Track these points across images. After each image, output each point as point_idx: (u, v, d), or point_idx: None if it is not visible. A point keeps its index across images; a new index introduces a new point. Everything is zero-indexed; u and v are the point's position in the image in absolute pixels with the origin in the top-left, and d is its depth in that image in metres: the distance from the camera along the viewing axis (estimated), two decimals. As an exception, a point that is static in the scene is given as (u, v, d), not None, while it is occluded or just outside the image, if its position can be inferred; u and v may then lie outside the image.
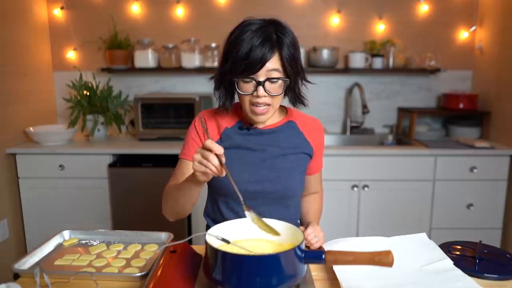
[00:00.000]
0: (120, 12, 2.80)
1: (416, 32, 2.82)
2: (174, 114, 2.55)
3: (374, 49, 2.77)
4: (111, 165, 2.35)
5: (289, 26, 1.07)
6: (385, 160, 2.35)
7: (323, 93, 2.90)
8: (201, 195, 1.09)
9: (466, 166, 2.35)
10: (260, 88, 1.03)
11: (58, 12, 2.80)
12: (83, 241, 1.14)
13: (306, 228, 1.13)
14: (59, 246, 1.11)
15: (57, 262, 1.01)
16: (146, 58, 2.69)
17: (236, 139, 1.15)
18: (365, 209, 2.40)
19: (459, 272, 0.94)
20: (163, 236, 1.14)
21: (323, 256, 0.81)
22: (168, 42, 2.76)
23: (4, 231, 2.31)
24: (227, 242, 0.86)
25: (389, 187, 2.38)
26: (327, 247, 1.07)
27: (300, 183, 1.21)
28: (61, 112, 2.90)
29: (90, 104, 2.60)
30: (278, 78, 1.04)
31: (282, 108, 1.24)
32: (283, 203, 1.17)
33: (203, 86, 2.84)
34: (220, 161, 0.87)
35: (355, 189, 2.37)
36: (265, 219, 0.92)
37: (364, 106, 2.67)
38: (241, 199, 0.91)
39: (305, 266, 0.84)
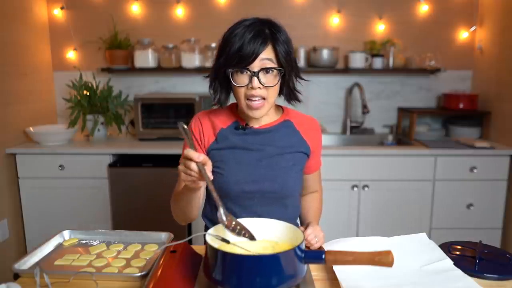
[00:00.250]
0: (120, 12, 2.80)
1: (416, 32, 2.82)
2: (174, 114, 2.55)
3: (374, 49, 2.77)
4: (111, 165, 2.35)
5: (283, 26, 1.09)
6: (385, 160, 2.35)
7: (323, 93, 2.90)
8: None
9: (466, 166, 2.35)
10: (255, 79, 1.03)
11: (58, 12, 2.80)
12: (83, 241, 1.14)
13: (306, 228, 1.13)
14: (59, 246, 1.11)
15: (57, 262, 1.01)
16: (146, 58, 2.69)
17: (232, 139, 1.15)
18: (365, 209, 2.40)
19: (459, 272, 0.94)
20: (163, 236, 1.14)
21: (323, 256, 0.81)
22: (168, 42, 2.76)
23: (4, 231, 2.31)
24: (227, 242, 0.87)
25: (389, 187, 2.38)
26: (327, 247, 1.07)
27: (297, 182, 1.20)
28: (61, 112, 2.90)
29: (90, 104, 2.60)
30: (272, 68, 1.05)
31: (278, 107, 1.24)
32: (281, 202, 1.17)
33: (203, 86, 2.82)
34: (200, 168, 0.87)
35: (355, 189, 2.37)
36: (241, 220, 0.92)
37: (364, 106, 2.67)
38: (220, 203, 0.90)
39: (305, 266, 0.84)
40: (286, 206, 1.19)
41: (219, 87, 1.13)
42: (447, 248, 1.07)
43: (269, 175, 1.14)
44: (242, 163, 1.14)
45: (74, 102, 2.55)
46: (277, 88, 1.09)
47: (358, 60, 2.69)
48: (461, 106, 2.65)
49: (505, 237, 2.43)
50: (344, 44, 2.81)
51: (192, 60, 2.68)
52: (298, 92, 1.16)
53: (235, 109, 1.20)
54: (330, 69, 2.72)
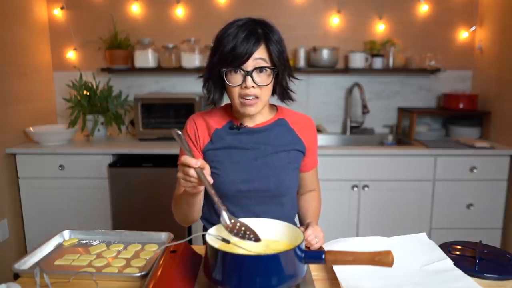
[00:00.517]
0: (120, 12, 2.80)
1: (416, 32, 2.82)
2: (174, 114, 2.55)
3: (374, 49, 2.77)
4: (111, 165, 2.35)
5: (276, 26, 1.10)
6: (385, 160, 2.35)
7: (323, 93, 2.90)
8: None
9: (466, 166, 2.35)
10: (248, 79, 1.04)
11: (58, 12, 2.80)
12: (83, 241, 1.14)
13: (306, 228, 1.13)
14: (59, 246, 1.11)
15: (57, 262, 1.01)
16: (146, 58, 2.69)
17: (227, 139, 1.16)
18: (365, 209, 2.40)
19: (459, 272, 0.94)
20: (163, 236, 1.14)
21: (323, 256, 0.81)
22: (168, 42, 2.76)
23: (4, 231, 2.31)
24: (227, 242, 0.86)
25: (389, 187, 2.38)
26: (327, 247, 1.07)
27: (293, 180, 1.21)
28: (61, 112, 2.90)
29: (90, 104, 2.60)
30: (266, 67, 1.06)
31: (272, 106, 1.24)
32: (277, 201, 1.18)
33: (203, 86, 2.84)
34: (199, 174, 0.87)
35: (355, 189, 2.37)
36: (244, 220, 0.91)
37: (364, 106, 2.67)
38: (223, 207, 0.89)
39: (305, 266, 0.84)
40: (283, 205, 1.19)
41: (213, 87, 1.14)
42: (447, 248, 1.07)
43: (265, 174, 1.14)
44: (237, 163, 1.14)
45: (74, 102, 2.55)
46: (270, 87, 1.09)
47: (358, 60, 2.69)
48: (461, 106, 2.65)
49: (505, 237, 2.43)
50: (344, 44, 2.81)
51: (192, 60, 2.68)
52: (291, 91, 1.17)
53: (229, 109, 1.21)
54: (330, 69, 2.72)
